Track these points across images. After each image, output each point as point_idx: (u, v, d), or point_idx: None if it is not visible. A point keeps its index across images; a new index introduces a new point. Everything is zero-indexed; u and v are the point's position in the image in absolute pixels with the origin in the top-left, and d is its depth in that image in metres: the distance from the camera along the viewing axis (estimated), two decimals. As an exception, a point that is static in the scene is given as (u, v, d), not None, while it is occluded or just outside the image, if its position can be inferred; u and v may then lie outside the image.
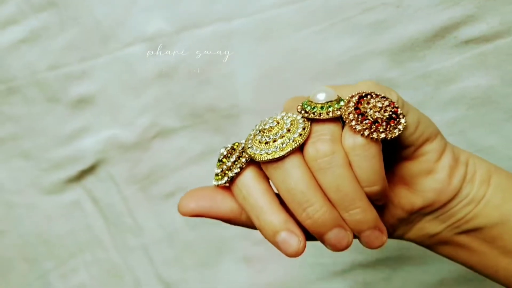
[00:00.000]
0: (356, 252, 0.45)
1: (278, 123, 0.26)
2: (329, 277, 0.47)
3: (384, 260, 0.45)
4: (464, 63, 0.38)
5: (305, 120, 0.25)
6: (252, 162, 0.26)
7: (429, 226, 0.28)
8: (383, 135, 0.23)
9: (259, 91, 0.43)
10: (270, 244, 0.25)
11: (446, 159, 0.27)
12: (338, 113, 0.24)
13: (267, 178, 0.26)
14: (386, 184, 0.25)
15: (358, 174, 0.24)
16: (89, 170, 0.49)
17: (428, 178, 0.27)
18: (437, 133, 0.27)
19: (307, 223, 0.24)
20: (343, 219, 0.24)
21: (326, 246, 0.25)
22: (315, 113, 0.25)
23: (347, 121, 0.24)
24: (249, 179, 0.26)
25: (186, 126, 0.45)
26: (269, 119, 0.26)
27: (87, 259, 0.52)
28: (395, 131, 0.24)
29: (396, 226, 0.29)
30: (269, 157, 0.24)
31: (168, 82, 0.44)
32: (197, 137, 0.46)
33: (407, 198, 0.27)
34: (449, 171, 0.26)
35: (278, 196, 0.26)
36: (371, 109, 0.24)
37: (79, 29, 0.44)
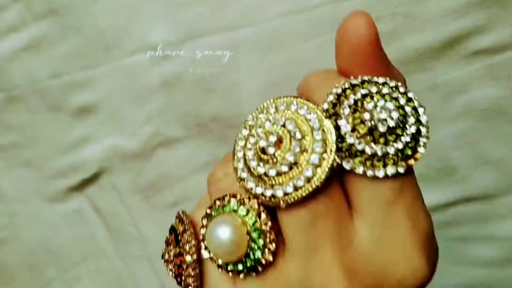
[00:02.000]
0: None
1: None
2: None
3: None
4: (474, 74, 0.37)
5: None
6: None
7: None
8: None
9: (264, 101, 0.42)
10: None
11: None
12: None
13: None
14: None
15: None
16: (92, 179, 0.49)
17: None
18: None
19: None
20: None
21: None
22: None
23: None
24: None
25: (190, 136, 0.45)
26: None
27: (91, 267, 0.52)
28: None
29: None
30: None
31: (172, 92, 0.43)
32: (201, 146, 0.45)
33: None
34: None
35: None
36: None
37: (81, 38, 0.43)
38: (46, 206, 0.51)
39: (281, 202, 0.19)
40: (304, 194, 0.18)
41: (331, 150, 0.19)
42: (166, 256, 0.23)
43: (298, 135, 0.19)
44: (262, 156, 0.19)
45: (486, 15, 0.35)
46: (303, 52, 0.40)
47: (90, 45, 0.43)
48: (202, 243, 0.21)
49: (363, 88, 0.19)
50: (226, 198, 0.21)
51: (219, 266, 0.20)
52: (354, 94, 0.19)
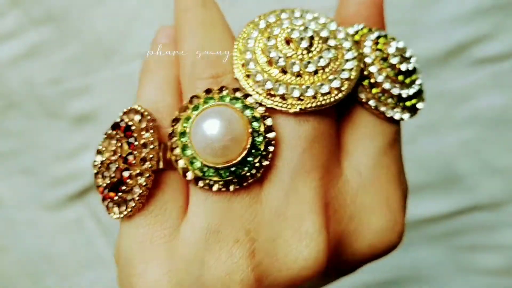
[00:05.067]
0: (365, 272, 0.44)
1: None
2: (338, 296, 0.46)
3: (393, 281, 0.44)
4: (479, 82, 0.37)
5: None
6: None
7: None
8: None
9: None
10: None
11: None
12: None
13: None
14: None
15: None
16: (91, 187, 0.48)
17: None
18: None
19: None
20: None
21: None
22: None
23: None
24: None
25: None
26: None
27: (91, 276, 0.51)
28: None
29: None
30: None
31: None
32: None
33: None
34: None
35: None
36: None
37: (80, 44, 0.43)
38: (45, 214, 0.50)
39: (291, 107, 0.17)
40: (321, 103, 0.17)
41: (357, 69, 0.18)
42: (106, 155, 0.18)
43: (331, 43, 0.18)
44: (286, 49, 0.17)
45: (491, 23, 0.35)
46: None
47: (89, 51, 0.43)
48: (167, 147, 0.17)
49: (381, 31, 0.19)
50: (224, 90, 0.17)
51: (184, 171, 0.17)
52: (378, 32, 0.19)
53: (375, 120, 0.19)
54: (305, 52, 0.17)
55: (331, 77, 0.17)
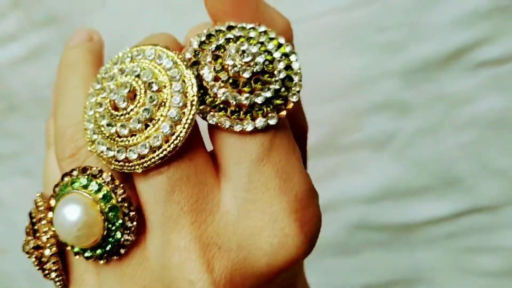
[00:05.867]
0: (367, 273, 0.44)
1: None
2: (338, 297, 0.46)
3: (393, 282, 0.44)
4: (479, 85, 0.37)
5: None
6: None
7: None
8: None
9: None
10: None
11: None
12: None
13: None
14: None
15: None
16: (93, 189, 0.48)
17: None
18: None
19: None
20: None
21: None
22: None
23: None
24: None
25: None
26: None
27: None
28: None
29: None
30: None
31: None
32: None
33: None
34: None
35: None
36: None
37: (82, 46, 0.43)
38: (45, 215, 0.50)
39: (137, 167, 0.17)
40: (161, 155, 0.16)
41: (192, 103, 0.16)
42: (27, 248, 0.19)
43: (155, 87, 0.17)
44: (114, 112, 0.17)
45: (492, 26, 0.35)
46: (308, 61, 0.39)
47: (90, 53, 0.43)
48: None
49: (228, 33, 0.18)
50: (75, 172, 0.18)
51: (76, 253, 0.18)
52: (217, 40, 0.18)
53: (239, 139, 0.17)
54: (129, 109, 0.17)
55: (162, 124, 0.16)
